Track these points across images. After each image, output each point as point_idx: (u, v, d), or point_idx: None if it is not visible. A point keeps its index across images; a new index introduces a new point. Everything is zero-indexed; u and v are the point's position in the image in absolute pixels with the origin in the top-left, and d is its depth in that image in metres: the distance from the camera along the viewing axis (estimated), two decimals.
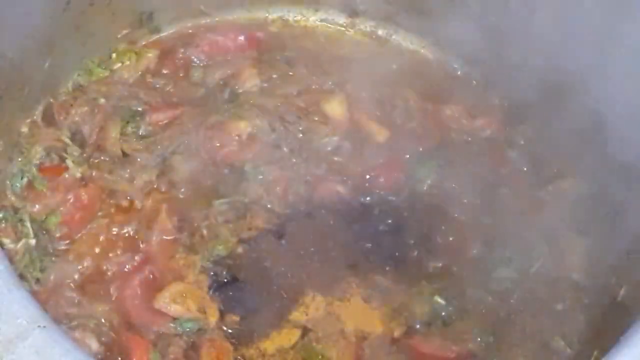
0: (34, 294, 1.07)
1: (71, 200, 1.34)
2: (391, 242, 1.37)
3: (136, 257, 1.30)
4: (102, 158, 1.40)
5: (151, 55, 1.54)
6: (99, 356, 1.19)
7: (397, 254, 1.36)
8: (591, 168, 1.36)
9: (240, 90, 1.51)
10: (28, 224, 1.29)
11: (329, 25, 1.67)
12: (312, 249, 1.34)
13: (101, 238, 1.32)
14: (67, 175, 1.36)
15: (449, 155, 1.45)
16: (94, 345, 1.19)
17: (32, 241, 1.28)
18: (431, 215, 1.40)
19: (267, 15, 1.66)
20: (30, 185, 1.35)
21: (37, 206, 1.32)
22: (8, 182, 1.34)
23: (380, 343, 1.25)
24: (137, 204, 1.36)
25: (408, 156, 1.46)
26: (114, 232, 1.33)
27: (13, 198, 1.32)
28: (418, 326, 1.27)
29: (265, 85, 1.52)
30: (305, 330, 1.26)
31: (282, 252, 1.33)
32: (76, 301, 1.24)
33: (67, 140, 1.40)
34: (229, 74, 1.53)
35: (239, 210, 1.37)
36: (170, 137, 1.43)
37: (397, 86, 1.53)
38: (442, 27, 1.55)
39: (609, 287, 1.25)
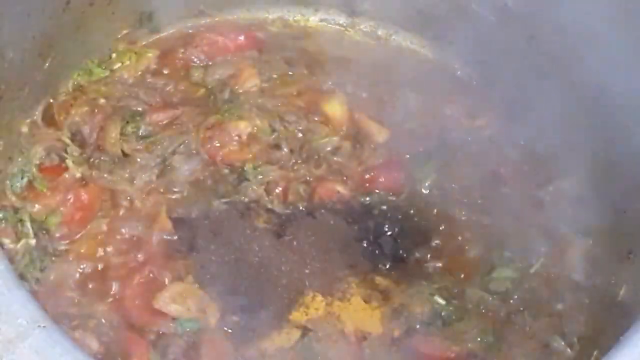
0: (34, 294, 1.07)
1: (71, 200, 1.34)
2: (391, 242, 1.37)
3: (136, 257, 1.30)
4: (102, 158, 1.40)
5: (151, 55, 1.54)
6: (99, 356, 1.19)
7: (397, 254, 1.36)
8: (591, 168, 1.36)
9: (240, 90, 1.51)
10: (28, 224, 1.30)
11: (329, 25, 1.67)
12: (312, 249, 1.34)
13: (101, 238, 1.32)
14: (67, 176, 1.36)
15: (448, 155, 1.45)
16: (94, 345, 1.19)
17: (32, 241, 1.29)
18: (431, 215, 1.40)
19: (267, 15, 1.66)
20: (30, 185, 1.35)
21: (37, 206, 1.32)
22: (8, 182, 1.34)
23: (380, 343, 1.25)
24: (137, 204, 1.36)
25: (408, 156, 1.46)
26: (114, 232, 1.33)
27: (13, 198, 1.33)
28: (418, 326, 1.27)
29: (265, 85, 1.53)
30: (305, 330, 1.26)
31: (282, 252, 1.33)
32: (76, 301, 1.24)
33: (67, 141, 1.40)
34: (229, 74, 1.53)
35: (239, 210, 1.37)
36: (170, 137, 1.43)
37: (397, 86, 1.54)
38: (442, 27, 1.55)
39: (609, 287, 1.25)
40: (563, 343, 1.25)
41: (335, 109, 1.50)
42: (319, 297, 1.29)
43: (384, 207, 1.41)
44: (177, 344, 1.22)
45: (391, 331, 1.26)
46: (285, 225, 1.36)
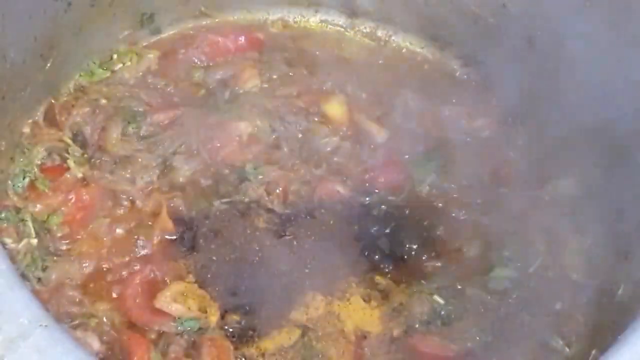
0: (35, 294, 1.08)
1: (73, 200, 1.34)
2: (391, 242, 1.37)
3: (137, 257, 1.31)
4: (103, 158, 1.40)
5: (152, 56, 1.55)
6: (100, 355, 1.19)
7: (396, 253, 1.36)
8: (591, 168, 1.36)
9: (241, 91, 1.52)
10: (30, 224, 1.30)
11: (329, 26, 1.67)
12: (312, 249, 1.34)
13: (102, 238, 1.32)
14: (68, 176, 1.37)
15: (448, 156, 1.45)
16: (96, 344, 1.19)
17: (34, 241, 1.29)
18: (431, 215, 1.40)
19: (267, 16, 1.66)
20: (32, 185, 1.35)
21: (38, 206, 1.33)
22: (10, 182, 1.34)
23: (379, 342, 1.26)
24: (138, 203, 1.37)
25: (407, 156, 1.46)
26: (115, 232, 1.33)
27: (15, 198, 1.33)
28: (417, 325, 1.27)
29: (266, 85, 1.53)
30: (305, 330, 1.26)
31: (282, 252, 1.33)
32: (77, 300, 1.25)
33: (69, 141, 1.41)
34: (229, 75, 1.54)
35: (240, 210, 1.38)
36: (171, 138, 1.43)
37: (397, 86, 1.54)
38: (441, 27, 1.56)
39: (607, 286, 1.25)
40: (562, 342, 1.25)
41: (335, 109, 1.50)
42: (319, 297, 1.30)
43: (384, 207, 1.41)
44: (178, 343, 1.23)
45: (391, 330, 1.27)
46: (285, 225, 1.36)
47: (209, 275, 1.30)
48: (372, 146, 1.47)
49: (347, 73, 1.55)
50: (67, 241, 1.31)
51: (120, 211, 1.36)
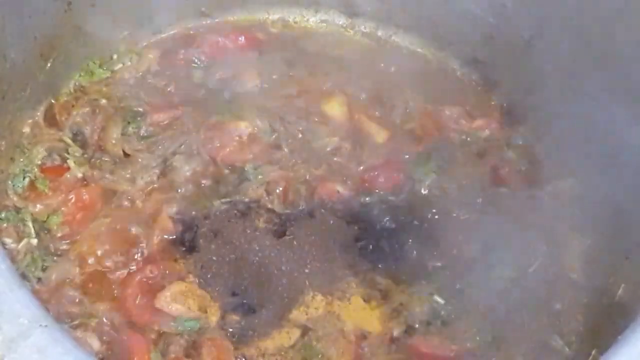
0: (35, 294, 1.08)
1: (73, 200, 1.34)
2: (391, 242, 1.37)
3: (137, 257, 1.31)
4: (103, 158, 1.41)
5: (152, 56, 1.55)
6: (100, 355, 1.19)
7: (396, 253, 1.36)
8: (590, 168, 1.36)
9: (241, 91, 1.52)
10: (30, 224, 1.30)
11: (329, 26, 1.67)
12: (312, 249, 1.34)
13: (102, 238, 1.32)
14: (68, 176, 1.37)
15: (448, 156, 1.46)
16: (95, 344, 1.19)
17: (34, 241, 1.29)
18: (431, 215, 1.40)
19: (267, 16, 1.66)
20: (32, 185, 1.35)
21: (38, 206, 1.33)
22: (10, 183, 1.34)
23: (379, 342, 1.26)
24: (138, 203, 1.37)
25: (407, 156, 1.46)
26: (115, 232, 1.33)
27: (15, 198, 1.33)
28: (417, 325, 1.27)
29: (266, 85, 1.53)
30: (305, 330, 1.26)
31: (282, 252, 1.33)
32: (77, 300, 1.25)
33: (69, 141, 1.41)
34: (229, 75, 1.54)
35: (240, 210, 1.38)
36: (171, 138, 1.44)
37: (397, 87, 1.54)
38: (442, 27, 1.56)
39: (607, 287, 1.25)
40: (561, 342, 1.25)
41: (335, 109, 1.50)
42: (319, 297, 1.30)
43: (384, 207, 1.41)
44: (178, 343, 1.23)
45: (390, 330, 1.27)
46: (285, 225, 1.36)
47: (209, 275, 1.30)
48: (372, 146, 1.47)
49: (347, 73, 1.55)
50: (67, 241, 1.31)
51: (120, 211, 1.36)
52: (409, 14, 1.59)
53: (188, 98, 1.51)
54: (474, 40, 1.51)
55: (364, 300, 1.30)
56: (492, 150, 1.48)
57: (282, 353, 1.24)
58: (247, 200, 1.39)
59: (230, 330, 1.25)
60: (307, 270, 1.32)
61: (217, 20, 1.64)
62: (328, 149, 1.46)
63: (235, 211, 1.37)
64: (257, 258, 1.32)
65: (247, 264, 1.32)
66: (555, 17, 1.33)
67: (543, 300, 1.30)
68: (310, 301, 1.29)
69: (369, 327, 1.27)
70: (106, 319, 1.23)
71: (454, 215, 1.40)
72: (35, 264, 1.27)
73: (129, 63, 1.54)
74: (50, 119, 1.44)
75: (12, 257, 1.24)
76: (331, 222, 1.38)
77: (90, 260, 1.29)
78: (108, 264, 1.30)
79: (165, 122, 1.46)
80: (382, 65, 1.60)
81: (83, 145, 1.42)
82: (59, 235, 1.31)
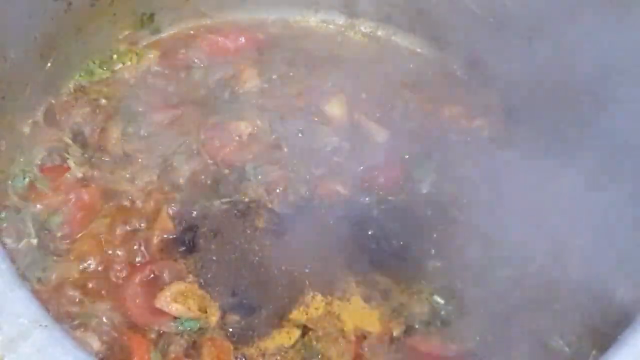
0: (35, 294, 1.07)
1: (73, 200, 1.34)
2: (390, 242, 1.37)
3: (137, 257, 1.31)
4: (103, 158, 1.41)
5: (152, 56, 1.55)
6: (100, 355, 1.19)
7: (396, 253, 1.36)
8: (590, 168, 1.36)
9: (241, 91, 1.52)
10: (30, 224, 1.30)
11: (329, 26, 1.67)
12: (312, 249, 1.34)
13: (102, 238, 1.32)
14: (68, 176, 1.37)
15: (448, 156, 1.46)
16: (95, 344, 1.19)
17: (34, 241, 1.29)
18: (431, 215, 1.40)
19: (267, 16, 1.66)
20: (32, 185, 1.35)
21: (38, 206, 1.33)
22: (10, 183, 1.34)
23: (379, 342, 1.26)
24: (138, 203, 1.37)
25: (407, 156, 1.46)
26: (116, 232, 1.33)
27: (15, 198, 1.33)
28: (417, 325, 1.27)
29: (266, 85, 1.53)
30: (305, 330, 1.27)
31: (282, 252, 1.33)
32: (77, 300, 1.25)
33: (69, 141, 1.41)
34: (229, 75, 1.54)
35: (240, 210, 1.38)
36: (171, 138, 1.44)
37: (397, 86, 1.54)
38: (442, 27, 1.56)
39: (607, 287, 1.25)
40: (561, 342, 1.25)
41: (335, 109, 1.50)
42: (319, 297, 1.30)
43: (384, 207, 1.41)
44: (178, 343, 1.23)
45: (390, 330, 1.27)
46: (285, 225, 1.36)
47: (209, 275, 1.30)
48: (372, 146, 1.47)
49: (347, 73, 1.55)
50: (67, 241, 1.31)
51: (120, 211, 1.36)
52: (409, 14, 1.59)
53: (188, 98, 1.51)
54: (474, 40, 1.51)
55: (364, 300, 1.30)
56: (492, 150, 1.47)
57: (282, 353, 1.24)
58: (247, 200, 1.39)
59: (230, 330, 1.25)
60: (307, 270, 1.32)
61: (217, 20, 1.64)
62: (328, 149, 1.46)
63: (235, 211, 1.37)
64: (257, 258, 1.32)
65: (247, 264, 1.32)
66: (555, 17, 1.33)
67: (543, 300, 1.30)
68: (310, 301, 1.29)
69: (369, 327, 1.27)
70: (106, 319, 1.23)
71: (454, 215, 1.40)
72: (35, 264, 1.27)
73: (129, 63, 1.54)
74: (51, 119, 1.44)
75: (12, 257, 1.23)
76: (331, 222, 1.38)
77: (91, 260, 1.29)
78: (108, 264, 1.30)
79: (165, 122, 1.46)
80: (382, 65, 1.60)
81: (83, 145, 1.42)
82: (59, 235, 1.31)
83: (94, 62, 1.51)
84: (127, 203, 1.37)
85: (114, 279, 1.28)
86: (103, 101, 1.47)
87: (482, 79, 1.58)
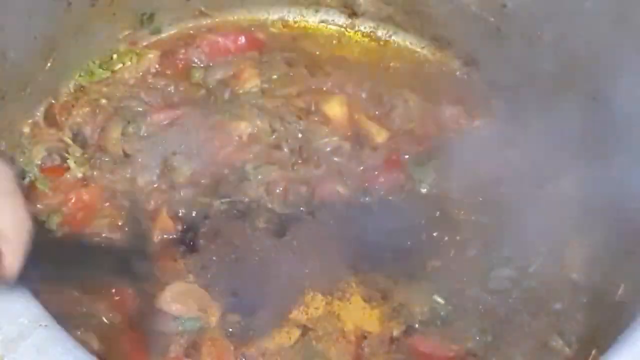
0: (35, 293, 1.07)
1: (73, 200, 1.34)
2: (391, 241, 1.37)
3: None
4: (103, 158, 1.40)
5: (152, 56, 1.55)
6: (100, 355, 1.19)
7: (396, 253, 1.36)
8: (590, 167, 1.36)
9: (241, 91, 1.52)
10: None
11: (329, 26, 1.67)
12: (312, 249, 1.34)
13: (102, 237, 1.32)
14: (68, 176, 1.37)
15: (448, 155, 1.45)
16: (95, 344, 1.19)
17: None
18: (431, 215, 1.40)
19: (267, 16, 1.66)
20: (32, 185, 1.35)
21: (38, 206, 1.33)
22: None
23: (379, 342, 1.26)
24: (139, 203, 1.37)
25: (407, 156, 1.46)
26: (116, 232, 1.33)
27: None
28: (417, 325, 1.27)
29: (266, 85, 1.53)
30: (305, 329, 1.26)
31: (282, 252, 1.33)
32: (78, 300, 1.25)
33: (69, 141, 1.41)
34: (229, 75, 1.54)
35: (240, 210, 1.38)
36: (171, 138, 1.43)
37: (397, 87, 1.54)
38: (442, 27, 1.55)
39: (607, 286, 1.25)
40: (562, 342, 1.25)
41: (335, 109, 1.50)
42: (319, 297, 1.30)
43: (384, 207, 1.41)
44: (178, 343, 1.23)
45: (390, 330, 1.27)
46: (285, 225, 1.36)
47: (209, 275, 1.30)
48: (372, 146, 1.47)
49: (347, 73, 1.55)
50: None
51: (121, 211, 1.36)
52: (409, 14, 1.58)
53: (188, 98, 1.51)
54: (474, 40, 1.51)
55: (364, 300, 1.31)
56: (492, 150, 1.47)
57: (282, 353, 1.24)
58: (247, 200, 1.38)
59: (230, 330, 1.25)
60: (307, 270, 1.32)
61: (217, 20, 1.63)
62: (328, 149, 1.46)
63: (235, 211, 1.37)
64: (257, 258, 1.32)
65: (247, 264, 1.32)
66: (555, 17, 1.33)
67: (543, 300, 1.30)
68: (310, 301, 1.29)
69: (369, 327, 1.27)
70: (106, 319, 1.23)
71: (454, 215, 1.40)
72: None
73: (129, 63, 1.54)
74: (50, 119, 1.44)
75: None
76: (331, 222, 1.38)
77: None
78: None
79: (165, 122, 1.45)
80: (382, 65, 1.60)
81: (83, 145, 1.42)
82: (59, 235, 1.31)
83: (94, 62, 1.51)
84: (127, 203, 1.37)
85: None
86: (103, 101, 1.46)
87: (482, 79, 1.58)
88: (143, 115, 1.45)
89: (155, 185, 1.39)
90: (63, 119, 1.43)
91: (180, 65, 1.56)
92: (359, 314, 1.29)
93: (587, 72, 1.33)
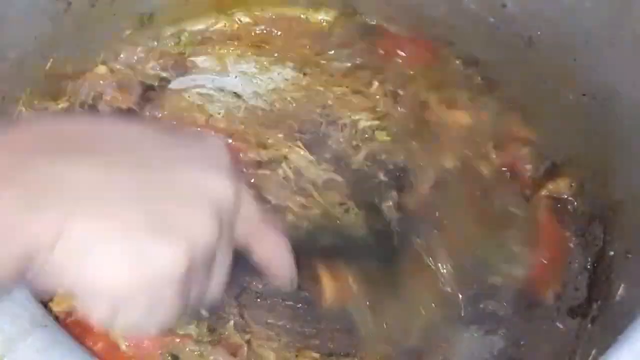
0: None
1: None
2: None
3: None
4: None
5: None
6: (101, 355, 1.19)
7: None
8: (590, 167, 1.36)
9: None
10: None
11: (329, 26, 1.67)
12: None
13: None
14: None
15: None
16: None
17: None
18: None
19: (266, 15, 1.66)
20: None
21: None
22: None
23: None
24: None
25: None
26: None
27: None
28: None
29: None
30: None
31: None
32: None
33: None
34: None
35: None
36: None
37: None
38: (441, 27, 1.55)
39: (607, 286, 1.25)
40: None
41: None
42: None
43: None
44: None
45: None
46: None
47: None
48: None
49: None
50: None
51: None
52: (409, 13, 1.58)
53: None
54: (474, 40, 1.51)
55: None
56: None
57: None
58: None
59: None
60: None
61: None
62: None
63: None
64: None
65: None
66: (555, 17, 1.33)
67: None
68: None
69: None
70: None
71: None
72: None
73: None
74: None
75: None
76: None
77: None
78: None
79: None
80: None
81: None
82: None
83: (94, 62, 1.51)
84: None
85: None
86: None
87: (482, 79, 1.58)
88: None
89: None
90: None
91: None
92: None
93: (587, 71, 1.33)
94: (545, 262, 1.34)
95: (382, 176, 1.42)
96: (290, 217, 1.34)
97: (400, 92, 1.52)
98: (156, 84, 1.49)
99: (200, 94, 1.49)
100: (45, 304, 1.07)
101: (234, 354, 1.19)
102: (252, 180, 1.37)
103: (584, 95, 1.35)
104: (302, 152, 1.41)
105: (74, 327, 1.08)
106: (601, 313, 1.24)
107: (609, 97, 1.29)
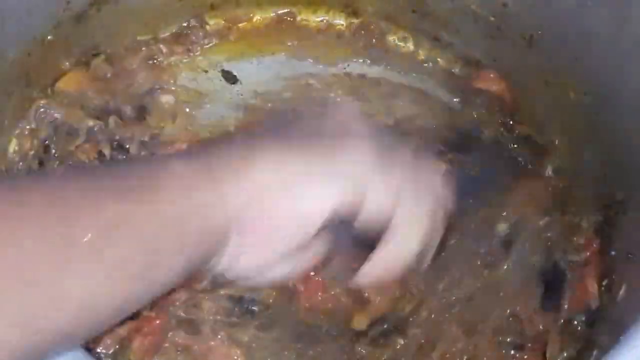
0: None
1: None
2: None
3: None
4: None
5: None
6: (102, 355, 1.19)
7: None
8: (590, 167, 1.36)
9: None
10: None
11: (329, 26, 1.67)
12: None
13: None
14: None
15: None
16: (95, 343, 1.19)
17: None
18: None
19: (266, 15, 1.66)
20: None
21: None
22: None
23: None
24: None
25: None
26: None
27: None
28: None
29: None
30: None
31: None
32: None
33: None
34: None
35: None
36: None
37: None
38: (442, 27, 1.55)
39: (607, 286, 1.25)
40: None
41: None
42: None
43: None
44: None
45: None
46: None
47: None
48: None
49: None
50: None
51: None
52: (409, 13, 1.59)
53: None
54: (474, 40, 1.51)
55: None
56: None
57: None
58: None
59: None
60: None
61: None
62: None
63: None
64: None
65: None
66: (557, 16, 1.33)
67: None
68: None
69: None
70: None
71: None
72: None
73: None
74: None
75: None
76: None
77: None
78: None
79: None
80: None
81: None
82: None
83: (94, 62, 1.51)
84: None
85: None
86: None
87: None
88: None
89: None
90: None
91: None
92: None
93: (589, 71, 1.33)
94: None
95: None
96: None
97: None
98: None
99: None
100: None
101: None
102: None
103: (585, 94, 1.34)
104: None
105: None
106: (603, 314, 1.23)
107: (610, 96, 1.29)
